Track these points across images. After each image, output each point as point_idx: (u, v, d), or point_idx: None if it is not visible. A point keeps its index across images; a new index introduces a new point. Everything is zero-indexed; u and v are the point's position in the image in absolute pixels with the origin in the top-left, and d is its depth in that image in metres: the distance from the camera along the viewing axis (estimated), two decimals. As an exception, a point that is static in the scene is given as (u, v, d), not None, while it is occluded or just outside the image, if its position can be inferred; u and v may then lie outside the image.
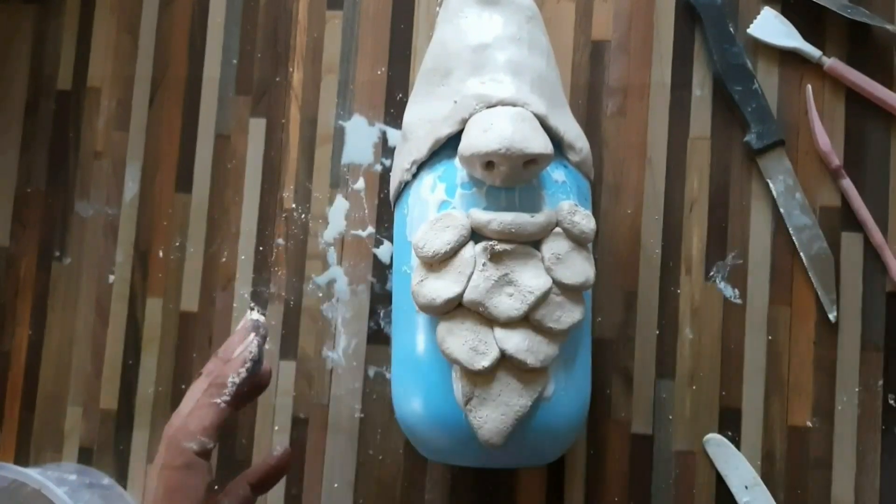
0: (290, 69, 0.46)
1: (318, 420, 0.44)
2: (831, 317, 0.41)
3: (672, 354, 0.42)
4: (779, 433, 0.41)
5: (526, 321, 0.33)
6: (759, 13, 0.43)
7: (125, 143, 0.47)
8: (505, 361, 0.33)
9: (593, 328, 0.42)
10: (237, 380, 0.33)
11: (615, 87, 0.44)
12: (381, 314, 0.44)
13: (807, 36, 0.42)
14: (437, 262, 0.34)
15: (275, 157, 0.46)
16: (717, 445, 0.41)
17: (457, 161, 0.35)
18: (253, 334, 0.35)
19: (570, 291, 0.34)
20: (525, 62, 0.36)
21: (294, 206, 0.45)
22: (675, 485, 0.41)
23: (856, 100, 0.42)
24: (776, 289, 0.42)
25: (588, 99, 0.44)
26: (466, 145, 0.33)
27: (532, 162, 0.33)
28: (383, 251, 0.44)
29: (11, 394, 0.47)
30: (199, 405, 0.33)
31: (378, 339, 0.44)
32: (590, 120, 0.44)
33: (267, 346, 0.44)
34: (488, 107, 0.34)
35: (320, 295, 0.45)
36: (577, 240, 0.35)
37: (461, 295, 0.33)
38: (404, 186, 0.38)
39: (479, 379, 0.33)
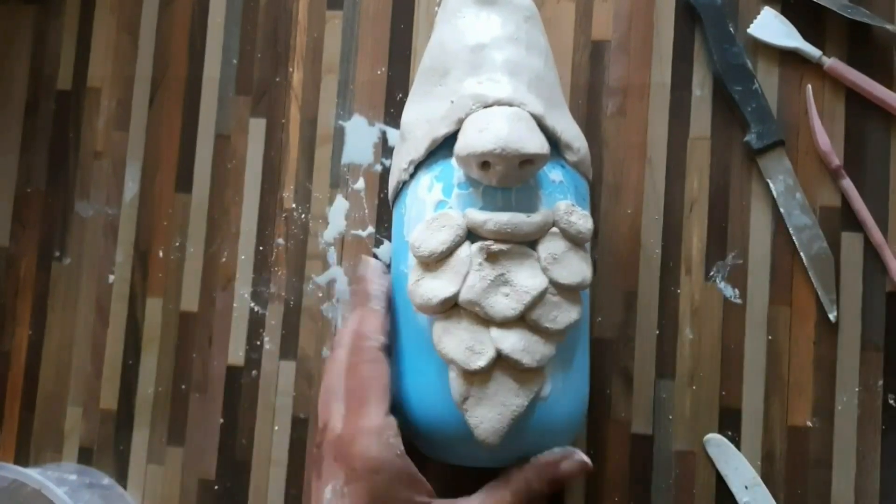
0: (290, 69, 0.46)
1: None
2: (831, 317, 0.41)
3: (672, 354, 0.42)
4: (779, 433, 0.41)
5: (522, 321, 0.33)
6: (759, 13, 0.43)
7: (125, 143, 0.47)
8: (501, 361, 0.33)
9: (593, 328, 0.42)
10: (378, 286, 0.38)
11: (615, 87, 0.44)
12: (381, 314, 0.44)
13: (807, 36, 0.42)
14: (433, 262, 0.34)
15: (275, 157, 0.46)
16: (717, 445, 0.41)
17: (454, 161, 0.35)
18: (366, 259, 0.40)
19: (567, 291, 0.34)
20: (522, 62, 0.36)
21: (294, 206, 0.45)
22: (675, 485, 0.41)
23: (856, 100, 0.42)
24: (776, 289, 0.42)
25: (588, 99, 0.44)
26: (462, 145, 0.33)
27: (528, 162, 0.33)
28: (383, 251, 0.44)
29: (11, 394, 0.47)
30: (359, 316, 0.37)
31: (378, 339, 0.44)
32: (590, 120, 0.44)
33: (267, 346, 0.45)
34: (485, 106, 0.34)
35: (320, 295, 0.45)
36: (574, 240, 0.35)
37: (457, 295, 0.33)
38: (402, 186, 0.38)
39: (476, 378, 0.33)
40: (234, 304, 0.45)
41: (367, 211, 0.45)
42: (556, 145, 0.36)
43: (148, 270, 0.46)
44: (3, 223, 0.48)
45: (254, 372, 0.45)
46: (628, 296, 0.42)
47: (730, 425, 0.41)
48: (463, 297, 0.33)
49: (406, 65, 0.45)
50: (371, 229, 0.45)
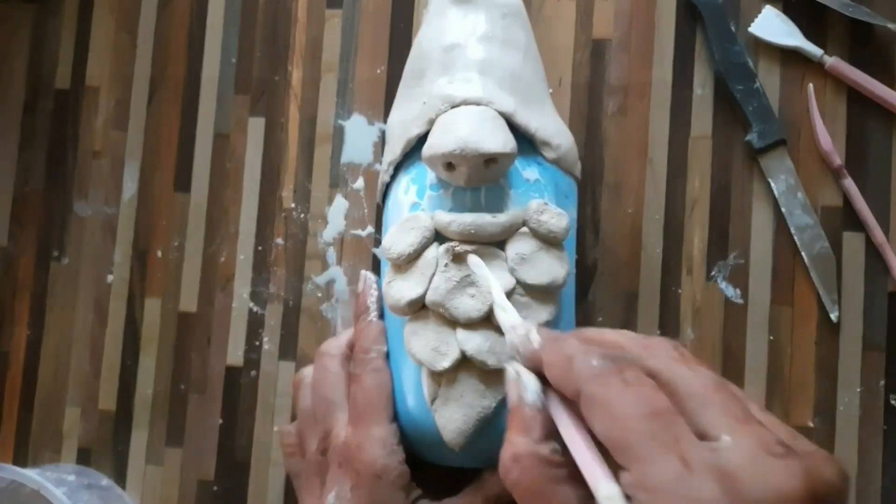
0: (290, 68, 0.46)
1: (317, 420, 0.44)
2: (833, 317, 0.41)
3: (673, 355, 0.42)
4: (780, 434, 0.41)
5: (488, 322, 0.33)
6: (760, 12, 0.42)
7: (124, 142, 0.47)
8: (467, 362, 0.33)
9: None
10: (373, 299, 0.39)
11: (616, 87, 0.43)
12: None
13: (808, 35, 0.42)
14: (403, 264, 0.34)
15: (274, 157, 0.46)
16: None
17: None
18: (363, 273, 0.41)
19: (537, 292, 0.34)
20: (495, 60, 0.36)
21: (293, 205, 0.45)
22: (676, 485, 0.41)
23: (857, 99, 0.42)
24: (777, 289, 0.42)
25: (589, 98, 0.44)
26: (427, 146, 0.34)
27: (493, 161, 0.33)
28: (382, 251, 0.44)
29: (10, 394, 0.47)
30: (359, 329, 0.38)
31: (378, 339, 0.44)
32: (590, 119, 0.43)
33: (266, 347, 0.44)
34: (453, 106, 0.35)
35: (319, 295, 0.44)
36: (546, 239, 0.34)
37: (423, 296, 0.33)
38: (386, 188, 0.39)
39: (444, 379, 0.34)
40: (233, 304, 0.45)
41: (366, 210, 0.45)
42: (531, 142, 0.36)
43: (147, 270, 0.46)
44: (2, 223, 0.48)
45: (253, 372, 0.44)
46: (629, 296, 0.42)
47: (731, 426, 0.41)
48: (429, 298, 0.33)
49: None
50: (370, 229, 0.44)
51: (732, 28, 0.42)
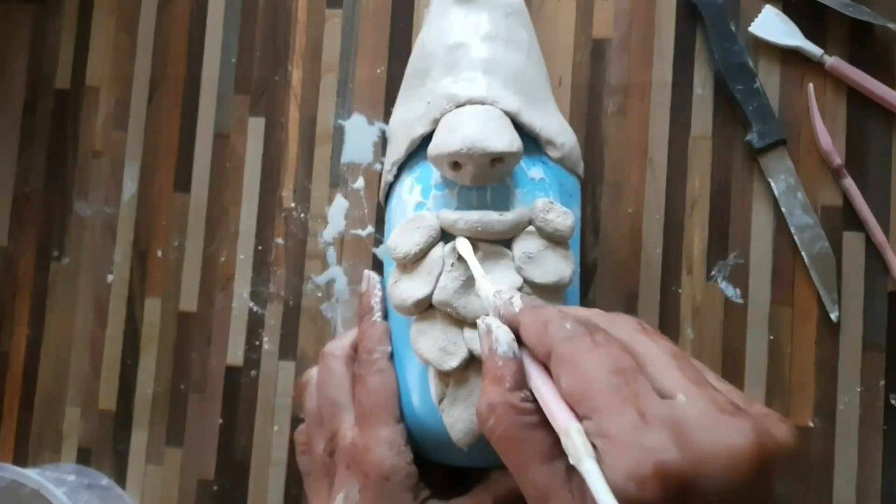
0: (290, 68, 0.46)
1: (317, 420, 0.44)
2: (833, 317, 0.41)
3: (673, 354, 0.42)
4: (780, 433, 0.41)
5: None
6: (760, 12, 0.42)
7: (124, 142, 0.47)
8: (475, 362, 0.33)
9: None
10: (377, 299, 0.38)
11: (616, 86, 0.43)
12: (381, 314, 0.44)
13: (808, 34, 0.42)
14: (409, 264, 0.34)
15: (274, 157, 0.46)
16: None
17: None
18: (367, 273, 0.40)
19: (544, 291, 0.34)
20: (499, 59, 0.36)
21: (293, 205, 0.45)
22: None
23: (857, 99, 0.42)
24: (777, 288, 0.42)
25: (589, 98, 0.44)
26: (432, 146, 0.34)
27: (499, 160, 0.33)
28: (383, 251, 0.44)
29: (10, 394, 0.47)
30: (363, 329, 0.37)
31: (378, 339, 0.44)
32: (590, 119, 0.43)
33: (266, 346, 0.44)
34: (457, 106, 0.34)
35: (319, 295, 0.44)
36: (552, 238, 0.34)
37: (430, 296, 0.33)
38: (389, 188, 0.38)
39: (451, 379, 0.33)
40: (233, 304, 0.45)
41: (366, 210, 0.45)
42: (535, 141, 0.36)
43: (147, 270, 0.46)
44: (2, 223, 0.48)
45: (253, 372, 0.44)
46: (629, 296, 0.42)
47: (731, 426, 0.41)
48: (435, 298, 0.33)
49: (406, 64, 0.45)
50: (370, 229, 0.44)
51: (732, 28, 0.42)
